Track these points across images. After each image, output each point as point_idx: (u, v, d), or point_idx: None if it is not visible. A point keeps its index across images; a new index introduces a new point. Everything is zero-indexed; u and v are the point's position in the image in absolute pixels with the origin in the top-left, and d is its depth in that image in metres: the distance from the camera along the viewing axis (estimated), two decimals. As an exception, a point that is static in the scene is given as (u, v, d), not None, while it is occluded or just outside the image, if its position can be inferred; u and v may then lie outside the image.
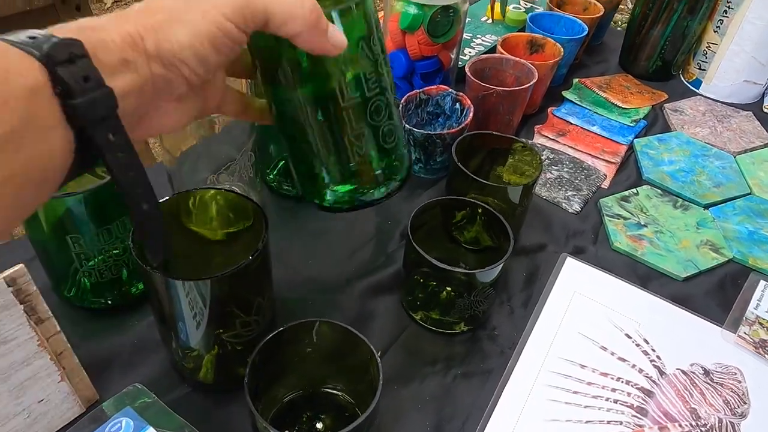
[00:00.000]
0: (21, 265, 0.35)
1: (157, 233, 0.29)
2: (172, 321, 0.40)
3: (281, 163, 0.62)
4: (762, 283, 0.56)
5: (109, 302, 0.49)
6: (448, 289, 0.49)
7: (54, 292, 0.48)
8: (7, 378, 0.37)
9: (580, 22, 0.81)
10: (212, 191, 0.44)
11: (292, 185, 0.61)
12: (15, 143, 0.21)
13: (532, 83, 0.67)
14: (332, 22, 0.32)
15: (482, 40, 0.88)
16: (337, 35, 0.31)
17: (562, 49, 0.74)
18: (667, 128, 0.78)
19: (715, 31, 0.81)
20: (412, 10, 0.67)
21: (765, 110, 0.75)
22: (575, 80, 0.84)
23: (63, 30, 0.24)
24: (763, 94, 0.85)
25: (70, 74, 0.23)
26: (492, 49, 0.84)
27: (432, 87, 0.66)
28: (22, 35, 0.23)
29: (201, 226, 0.47)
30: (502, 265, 0.46)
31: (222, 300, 0.38)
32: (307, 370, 0.42)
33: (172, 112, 0.31)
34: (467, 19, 0.91)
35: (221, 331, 0.40)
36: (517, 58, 0.70)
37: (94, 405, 0.42)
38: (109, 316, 0.48)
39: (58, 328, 0.38)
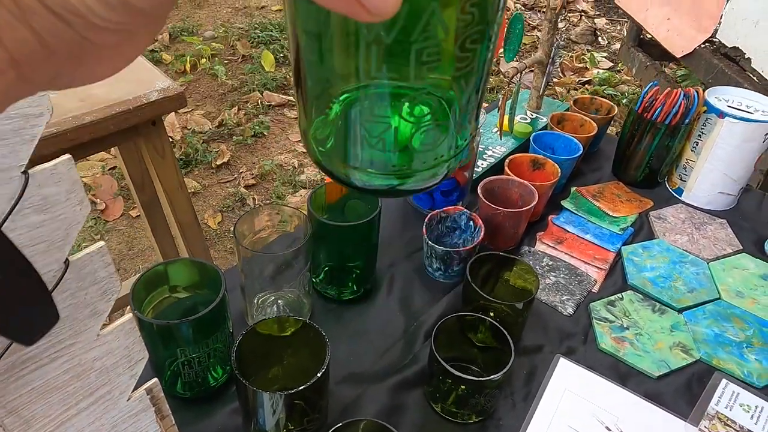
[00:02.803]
0: (155, 379, 0.48)
1: (15, 306, 0.21)
2: (254, 415, 0.53)
3: (326, 269, 0.76)
4: (724, 381, 0.68)
5: (195, 393, 0.62)
6: (462, 387, 0.62)
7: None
8: (138, 460, 0.50)
9: (576, 141, 0.95)
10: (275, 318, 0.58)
11: (334, 290, 0.75)
12: None
13: (533, 204, 0.81)
14: None
15: (493, 152, 1.03)
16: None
17: (559, 170, 0.88)
18: (651, 235, 0.91)
19: (692, 150, 0.95)
20: (434, 143, 0.82)
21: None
22: (573, 189, 0.98)
23: None
24: (738, 201, 0.98)
25: None
26: (501, 161, 0.98)
27: (450, 207, 0.80)
28: None
29: (268, 329, 0.60)
30: (503, 373, 0.59)
31: (294, 402, 0.52)
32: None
33: (108, 58, 0.20)
34: (480, 135, 1.06)
35: (291, 426, 0.53)
36: (521, 180, 0.84)
37: (190, 479, 0.55)
38: (196, 405, 0.62)
39: (173, 422, 0.52)
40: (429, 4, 0.19)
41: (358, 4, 0.16)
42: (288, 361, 0.61)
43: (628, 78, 2.96)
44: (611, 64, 3.14)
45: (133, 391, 0.47)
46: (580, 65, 3.12)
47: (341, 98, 0.23)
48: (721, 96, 0.94)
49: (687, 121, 0.92)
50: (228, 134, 2.41)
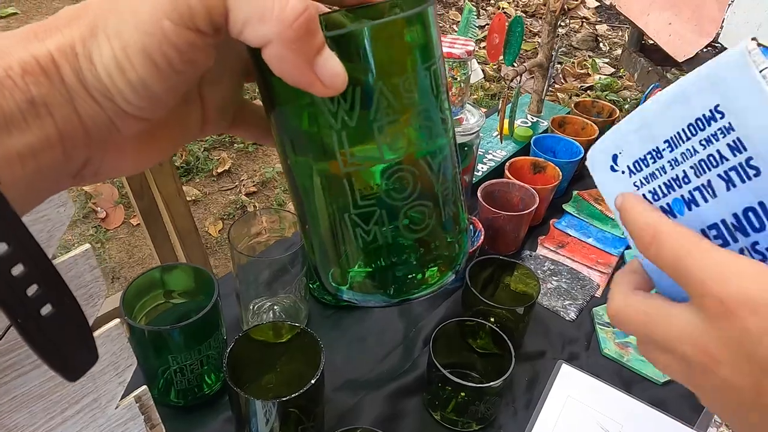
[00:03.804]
0: (144, 387, 0.47)
1: (60, 343, 0.21)
2: (247, 423, 0.52)
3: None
4: (731, 387, 0.66)
5: (189, 401, 0.61)
6: (462, 394, 0.60)
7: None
8: (127, 470, 0.48)
9: (578, 144, 0.94)
10: (272, 323, 0.57)
11: (332, 296, 0.74)
12: None
13: (534, 207, 0.79)
14: (358, 46, 0.22)
15: (493, 156, 1.01)
16: (331, 67, 0.20)
17: (561, 173, 0.87)
18: (654, 239, 0.89)
19: (695, 152, 0.94)
20: (433, 146, 0.81)
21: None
22: (574, 192, 0.97)
23: None
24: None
25: None
26: (502, 165, 0.97)
27: (449, 211, 0.79)
28: None
29: (262, 335, 0.59)
30: (504, 380, 0.57)
31: (288, 409, 0.50)
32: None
33: (132, 153, 0.23)
34: (480, 138, 1.05)
35: (286, 434, 0.52)
36: (522, 183, 0.83)
37: (182, 489, 0.54)
38: (189, 413, 0.60)
39: (164, 430, 0.50)
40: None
41: (314, 74, 0.20)
42: (282, 368, 0.60)
43: (630, 83, 2.95)
44: (613, 69, 3.14)
45: (121, 398, 0.46)
46: (582, 71, 3.11)
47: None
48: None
49: (690, 122, 0.91)
50: (229, 142, 2.40)
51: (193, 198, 2.08)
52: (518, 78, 0.96)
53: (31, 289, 0.19)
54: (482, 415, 0.59)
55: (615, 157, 0.31)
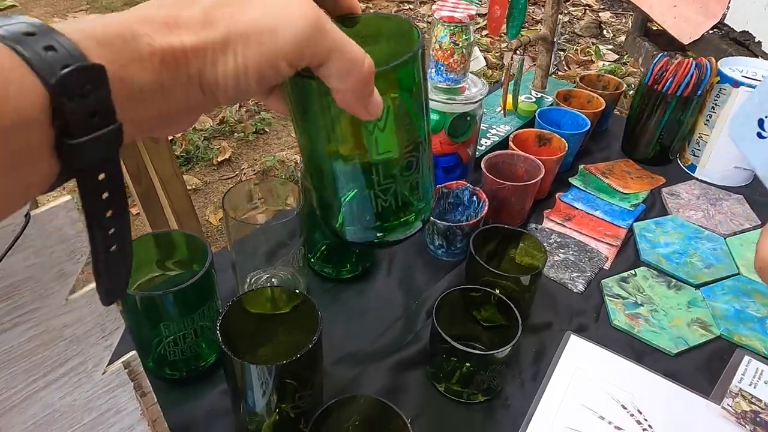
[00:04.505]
0: (134, 352, 0.45)
1: (118, 275, 0.26)
2: (243, 393, 0.49)
3: (323, 248, 0.72)
4: (746, 358, 0.64)
5: (184, 374, 0.58)
6: (467, 365, 0.58)
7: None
8: (117, 441, 0.46)
9: (583, 116, 0.92)
10: (268, 288, 0.55)
11: (332, 269, 0.71)
12: None
13: (539, 178, 0.77)
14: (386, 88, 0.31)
15: (497, 131, 0.99)
16: (376, 103, 0.29)
17: (567, 144, 0.84)
18: (664, 212, 0.87)
19: (705, 124, 0.91)
20: (435, 116, 0.78)
21: None
22: (581, 167, 0.94)
23: (95, 33, 0.21)
24: (754, 176, 0.94)
25: (77, 110, 0.20)
26: (505, 140, 0.94)
27: (452, 182, 0.76)
28: (41, 41, 0.20)
29: (260, 307, 0.57)
30: (511, 346, 0.55)
31: (284, 378, 0.48)
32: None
33: (186, 119, 0.28)
34: (483, 112, 1.03)
35: (281, 402, 0.50)
36: (527, 154, 0.80)
37: (176, 463, 0.51)
38: (184, 386, 0.58)
39: (155, 399, 0.48)
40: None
41: (365, 109, 0.28)
42: (280, 339, 0.57)
43: (635, 69, 2.91)
44: (617, 56, 3.10)
45: (108, 364, 0.43)
46: (585, 58, 3.08)
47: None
48: (734, 66, 0.90)
49: (699, 92, 0.88)
50: (229, 131, 2.38)
51: (194, 187, 2.06)
52: (522, 48, 0.94)
53: (105, 195, 0.23)
54: (488, 386, 0.57)
55: (762, 122, 0.29)
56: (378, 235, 0.38)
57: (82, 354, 0.41)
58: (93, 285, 0.41)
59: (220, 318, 0.48)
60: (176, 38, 0.23)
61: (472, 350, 0.54)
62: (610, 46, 3.20)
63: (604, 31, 3.39)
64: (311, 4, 0.26)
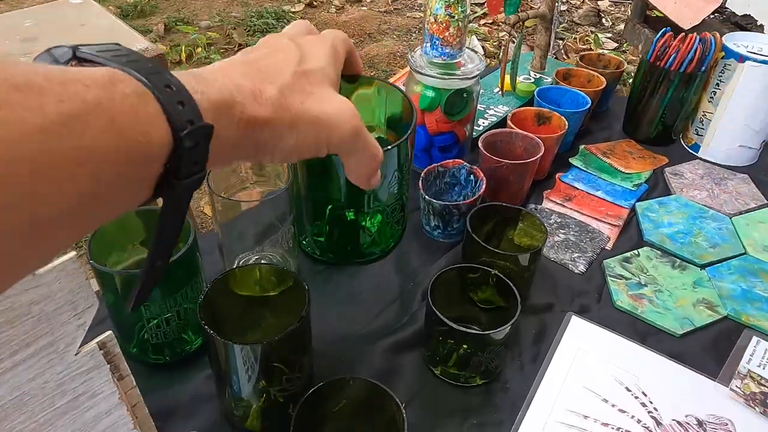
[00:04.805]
0: (110, 332, 0.42)
1: (148, 287, 0.29)
2: (227, 376, 0.47)
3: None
4: (755, 339, 0.61)
5: (168, 358, 0.56)
6: (465, 346, 0.55)
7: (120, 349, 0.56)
8: (93, 426, 0.44)
9: (584, 94, 0.89)
10: (256, 267, 0.52)
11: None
12: (101, 200, 0.21)
13: (539, 156, 0.74)
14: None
15: (495, 111, 0.96)
16: (377, 180, 0.36)
17: (567, 122, 0.82)
18: (667, 191, 0.84)
19: (709, 101, 0.89)
20: (430, 93, 0.76)
21: None
22: (581, 147, 0.92)
23: (210, 96, 0.25)
24: (759, 156, 0.91)
25: (187, 158, 0.23)
26: (503, 120, 0.92)
27: (449, 161, 0.74)
28: (176, 96, 0.23)
29: (248, 290, 0.54)
30: (510, 325, 0.52)
31: (271, 359, 0.45)
32: (342, 420, 0.49)
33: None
34: (480, 91, 1.00)
35: (268, 385, 0.47)
36: (525, 132, 0.78)
37: (159, 450, 0.49)
38: (168, 371, 0.56)
39: (134, 383, 0.45)
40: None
41: (369, 185, 0.36)
42: (268, 322, 0.55)
43: (634, 57, 2.88)
44: (616, 44, 3.07)
45: (82, 344, 0.41)
46: (584, 47, 3.04)
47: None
48: (739, 42, 0.87)
49: (703, 68, 0.85)
50: (224, 122, 2.35)
51: (188, 177, 2.03)
52: (520, 25, 0.91)
53: None
54: (486, 368, 0.54)
55: None
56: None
57: (52, 333, 0.39)
58: (63, 258, 0.39)
59: (203, 295, 0.46)
60: (258, 110, 0.28)
61: (469, 330, 0.51)
62: (609, 35, 3.17)
63: (603, 20, 3.36)
64: (355, 110, 0.32)
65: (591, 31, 3.22)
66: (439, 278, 0.57)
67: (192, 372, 0.55)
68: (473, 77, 0.75)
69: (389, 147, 0.39)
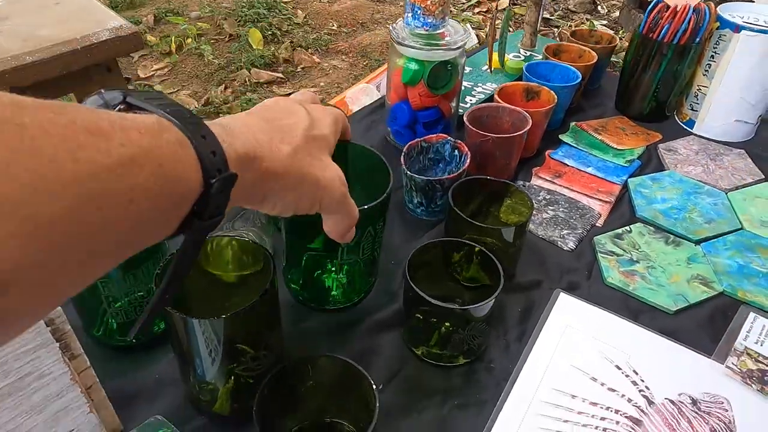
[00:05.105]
0: (59, 309, 0.39)
1: (153, 316, 0.31)
2: (189, 356, 0.44)
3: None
4: (752, 315, 0.59)
5: (134, 341, 0.53)
6: (447, 324, 0.52)
7: (84, 332, 0.53)
8: (42, 409, 0.41)
9: (574, 69, 0.86)
10: (227, 238, 0.49)
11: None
12: (141, 234, 0.24)
13: (525, 129, 0.71)
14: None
15: (483, 89, 0.93)
16: (351, 236, 0.40)
17: (556, 96, 0.79)
18: (660, 168, 0.81)
19: (704, 75, 0.86)
20: (413, 66, 0.72)
21: None
22: (572, 124, 0.89)
23: (236, 149, 0.28)
24: (756, 131, 0.88)
25: (212, 202, 0.26)
26: (491, 98, 0.88)
27: (432, 135, 0.71)
28: (209, 147, 0.26)
29: (218, 269, 0.51)
30: (493, 300, 0.49)
31: (233, 336, 0.42)
32: (313, 401, 0.46)
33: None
34: (468, 69, 0.97)
35: (234, 365, 0.44)
36: (512, 106, 0.75)
37: (119, 435, 0.46)
38: (134, 353, 0.53)
39: (88, 363, 0.42)
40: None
41: (343, 240, 0.40)
42: (237, 302, 0.52)
43: (630, 44, 2.84)
44: (611, 32, 3.03)
45: (26, 320, 0.38)
46: (580, 34, 3.00)
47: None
48: (734, 12, 0.84)
49: (698, 39, 0.82)
50: (215, 112, 2.32)
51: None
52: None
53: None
54: (469, 347, 0.52)
55: None
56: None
57: (-10, 307, 0.36)
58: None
59: (162, 265, 0.42)
60: (274, 164, 0.31)
61: (447, 305, 0.48)
62: (605, 22, 3.13)
63: (599, 7, 3.32)
64: (344, 178, 0.37)
65: (586, 19, 3.19)
66: (419, 254, 0.54)
67: (158, 355, 0.52)
68: (457, 48, 0.72)
69: (365, 207, 0.43)
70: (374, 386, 0.41)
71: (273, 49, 2.74)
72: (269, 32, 2.85)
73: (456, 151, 0.70)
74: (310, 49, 2.79)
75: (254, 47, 2.73)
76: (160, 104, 0.26)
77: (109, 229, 0.21)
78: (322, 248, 0.53)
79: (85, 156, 0.20)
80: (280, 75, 2.57)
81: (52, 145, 0.19)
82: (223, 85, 2.47)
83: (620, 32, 2.96)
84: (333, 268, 0.56)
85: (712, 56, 0.83)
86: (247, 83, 2.49)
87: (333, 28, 3.02)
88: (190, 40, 2.77)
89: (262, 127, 0.32)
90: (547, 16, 3.08)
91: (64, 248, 0.19)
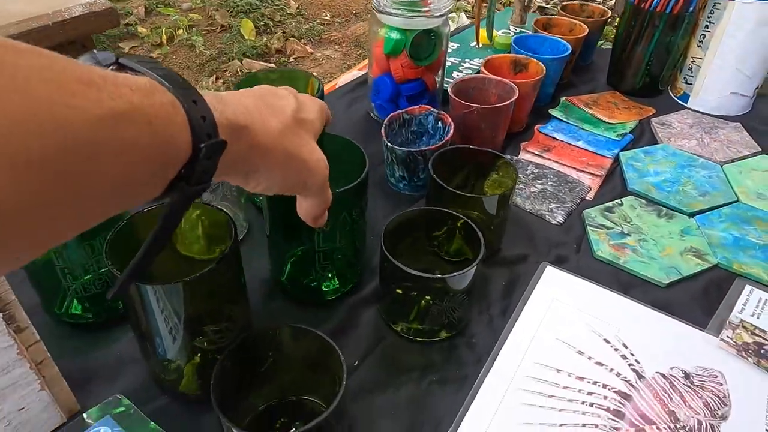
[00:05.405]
0: (2, 278, 0.36)
1: (134, 278, 0.30)
2: (147, 331, 0.41)
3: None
4: (748, 287, 0.56)
5: (95, 318, 0.50)
6: (427, 297, 0.49)
7: (44, 311, 0.50)
8: (-13, 385, 0.38)
9: (564, 42, 0.83)
10: (197, 211, 0.46)
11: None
12: (127, 189, 0.23)
13: (512, 100, 0.68)
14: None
15: (470, 64, 0.90)
16: (323, 221, 0.40)
17: (544, 68, 0.76)
18: (654, 141, 0.78)
19: (698, 46, 0.83)
20: (395, 35, 0.70)
21: None
22: (562, 99, 0.86)
23: (227, 116, 0.27)
24: (753, 105, 0.85)
25: (200, 168, 0.25)
26: (479, 72, 0.86)
27: (414, 107, 0.68)
28: (200, 111, 0.25)
29: (190, 250, 0.49)
30: (474, 269, 0.46)
31: (192, 305, 0.39)
32: (280, 377, 0.43)
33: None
34: (456, 45, 0.94)
35: (194, 338, 0.41)
36: (499, 78, 0.72)
37: (76, 415, 0.43)
38: (95, 331, 0.50)
39: (38, 337, 0.40)
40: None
41: (316, 224, 0.39)
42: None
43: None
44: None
45: (-36, 289, 0.35)
46: (576, 22, 2.97)
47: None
48: (729, -19, 0.81)
49: (691, 8, 0.79)
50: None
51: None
52: (494, -32, 0.85)
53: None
54: (449, 320, 0.49)
55: None
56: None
57: None
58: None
59: (114, 231, 0.40)
60: (263, 138, 0.31)
61: (423, 274, 0.45)
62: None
63: (595, -5, 3.29)
64: (327, 164, 0.37)
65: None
66: (396, 224, 0.51)
67: (119, 332, 0.49)
68: (440, 15, 0.69)
69: (338, 191, 0.42)
70: (342, 358, 0.38)
71: (265, 39, 2.70)
72: (261, 23, 2.82)
73: (440, 123, 0.68)
74: (302, 40, 2.75)
75: (246, 38, 2.69)
76: (152, 68, 0.26)
77: (97, 180, 0.21)
78: (301, 239, 0.52)
79: (76, 103, 0.20)
80: (273, 65, 2.53)
81: (47, 88, 0.19)
82: (215, 76, 2.44)
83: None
84: (320, 269, 0.53)
85: (707, 26, 0.81)
86: (239, 74, 2.46)
87: (326, 18, 2.99)
88: (181, 31, 2.74)
89: (254, 102, 0.32)
90: (542, 4, 3.04)
91: (51, 190, 0.20)
